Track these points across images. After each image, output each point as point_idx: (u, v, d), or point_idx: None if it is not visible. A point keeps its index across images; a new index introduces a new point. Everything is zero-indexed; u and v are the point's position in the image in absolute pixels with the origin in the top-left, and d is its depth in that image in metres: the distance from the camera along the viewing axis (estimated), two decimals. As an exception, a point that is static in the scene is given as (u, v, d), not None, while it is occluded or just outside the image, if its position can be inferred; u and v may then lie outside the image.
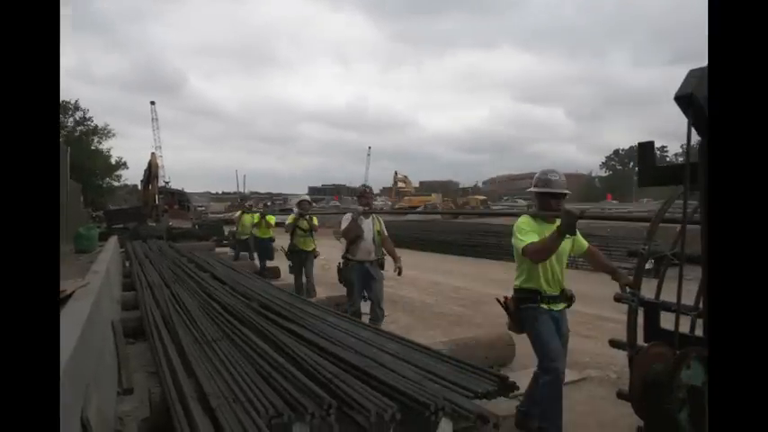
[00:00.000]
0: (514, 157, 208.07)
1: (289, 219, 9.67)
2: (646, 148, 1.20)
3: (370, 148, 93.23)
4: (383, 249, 6.83)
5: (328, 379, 3.73)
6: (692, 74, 1.05)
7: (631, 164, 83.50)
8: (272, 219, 12.85)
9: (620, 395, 1.90)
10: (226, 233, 21.75)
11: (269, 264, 12.37)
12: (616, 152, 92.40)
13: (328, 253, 10.96)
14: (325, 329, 5.28)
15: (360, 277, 6.63)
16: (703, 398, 0.99)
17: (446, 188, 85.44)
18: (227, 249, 17.45)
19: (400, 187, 54.48)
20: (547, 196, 3.66)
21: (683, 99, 1.02)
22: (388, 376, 3.78)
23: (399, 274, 6.59)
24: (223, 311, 6.01)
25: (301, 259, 9.41)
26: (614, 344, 2.58)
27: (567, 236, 3.31)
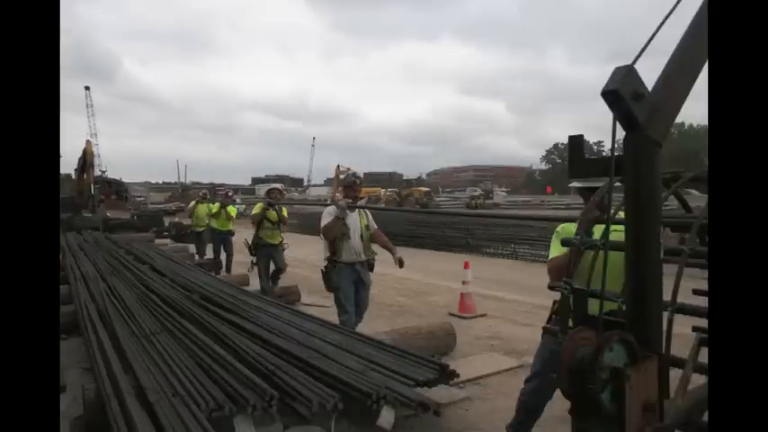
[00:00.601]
0: (457, 150, 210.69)
1: (255, 208, 8.71)
2: (575, 141, 1.25)
3: (314, 138, 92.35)
4: (372, 247, 5.97)
5: (270, 371, 3.71)
6: (618, 71, 1.10)
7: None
8: (233, 210, 11.78)
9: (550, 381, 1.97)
10: (166, 224, 21.21)
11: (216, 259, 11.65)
12: (556, 146, 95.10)
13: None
14: (267, 321, 5.24)
15: (350, 282, 5.70)
16: (623, 378, 1.04)
17: (390, 180, 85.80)
18: (168, 241, 17.00)
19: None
20: (585, 191, 3.04)
21: (610, 94, 1.08)
22: (330, 367, 3.79)
23: (401, 266, 5.73)
24: (162, 304, 5.86)
25: (268, 254, 8.58)
26: (547, 331, 2.68)
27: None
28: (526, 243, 14.90)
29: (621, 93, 1.06)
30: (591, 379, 1.00)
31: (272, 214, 8.56)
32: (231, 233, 11.43)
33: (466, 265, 8.35)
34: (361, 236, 5.74)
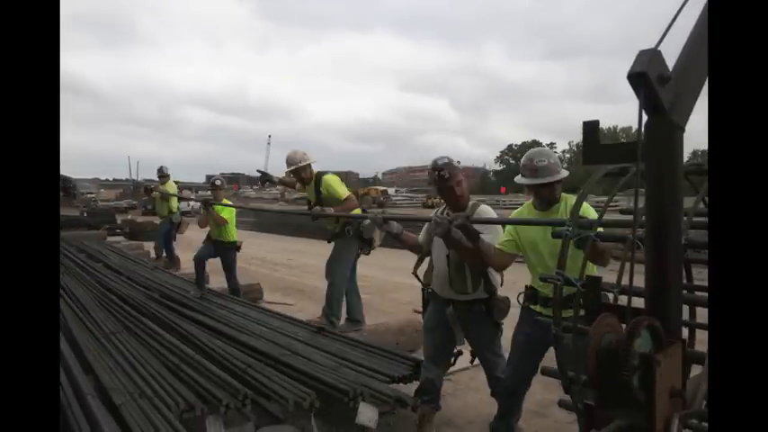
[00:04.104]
0: (408, 148, 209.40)
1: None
2: (590, 127, 1.23)
3: (270, 136, 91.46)
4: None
5: (241, 369, 3.61)
6: (643, 53, 1.08)
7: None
8: (230, 214, 7.10)
9: (544, 372, 1.96)
10: (119, 221, 20.57)
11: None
12: (509, 147, 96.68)
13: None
14: (233, 319, 5.13)
15: (436, 323, 3.66)
16: (654, 364, 1.03)
17: (347, 179, 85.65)
18: (121, 239, 16.46)
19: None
20: (537, 187, 2.98)
21: (636, 77, 1.05)
22: (303, 364, 3.72)
23: None
24: (122, 303, 5.64)
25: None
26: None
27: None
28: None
29: (649, 75, 1.04)
30: (623, 366, 0.99)
31: None
32: (232, 245, 7.18)
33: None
34: (448, 255, 3.34)
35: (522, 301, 3.17)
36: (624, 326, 1.11)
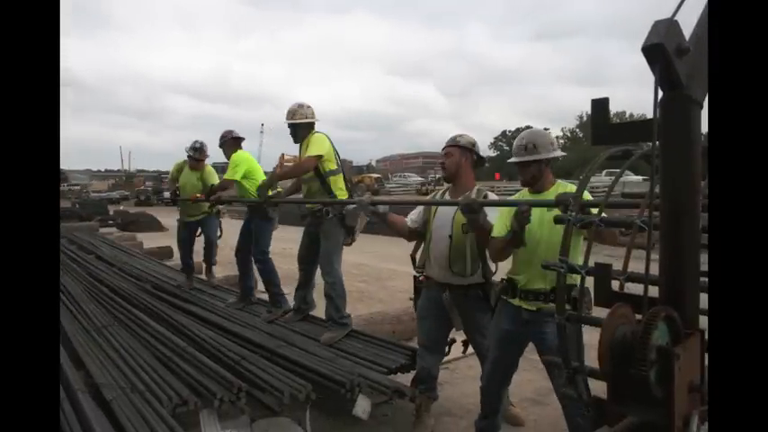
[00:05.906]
0: (398, 136, 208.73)
1: None
2: (600, 105, 1.16)
3: (263, 125, 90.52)
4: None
5: (235, 361, 3.54)
6: (659, 24, 1.00)
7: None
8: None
9: (545, 361, 1.90)
10: (111, 212, 20.46)
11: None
12: (503, 133, 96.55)
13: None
14: (225, 309, 5.06)
15: (432, 310, 3.65)
16: (673, 358, 0.96)
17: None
18: (114, 230, 16.32)
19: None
20: (522, 166, 2.85)
21: (652, 49, 0.97)
22: (299, 355, 3.65)
23: None
24: (113, 295, 5.56)
25: None
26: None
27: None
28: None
29: (666, 47, 0.96)
30: (640, 360, 0.92)
31: None
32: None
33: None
34: (450, 236, 3.32)
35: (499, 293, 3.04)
36: (638, 316, 1.04)
